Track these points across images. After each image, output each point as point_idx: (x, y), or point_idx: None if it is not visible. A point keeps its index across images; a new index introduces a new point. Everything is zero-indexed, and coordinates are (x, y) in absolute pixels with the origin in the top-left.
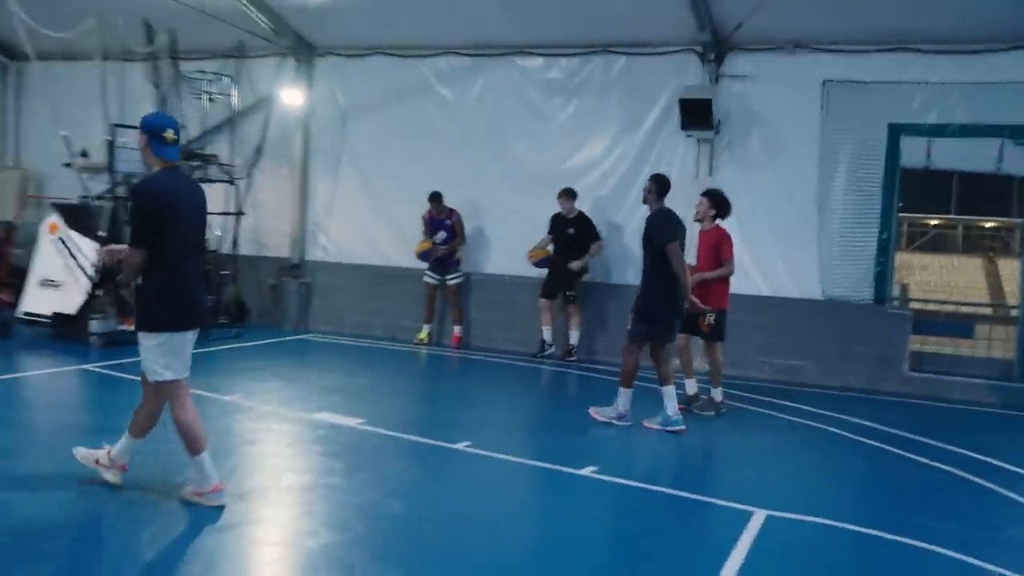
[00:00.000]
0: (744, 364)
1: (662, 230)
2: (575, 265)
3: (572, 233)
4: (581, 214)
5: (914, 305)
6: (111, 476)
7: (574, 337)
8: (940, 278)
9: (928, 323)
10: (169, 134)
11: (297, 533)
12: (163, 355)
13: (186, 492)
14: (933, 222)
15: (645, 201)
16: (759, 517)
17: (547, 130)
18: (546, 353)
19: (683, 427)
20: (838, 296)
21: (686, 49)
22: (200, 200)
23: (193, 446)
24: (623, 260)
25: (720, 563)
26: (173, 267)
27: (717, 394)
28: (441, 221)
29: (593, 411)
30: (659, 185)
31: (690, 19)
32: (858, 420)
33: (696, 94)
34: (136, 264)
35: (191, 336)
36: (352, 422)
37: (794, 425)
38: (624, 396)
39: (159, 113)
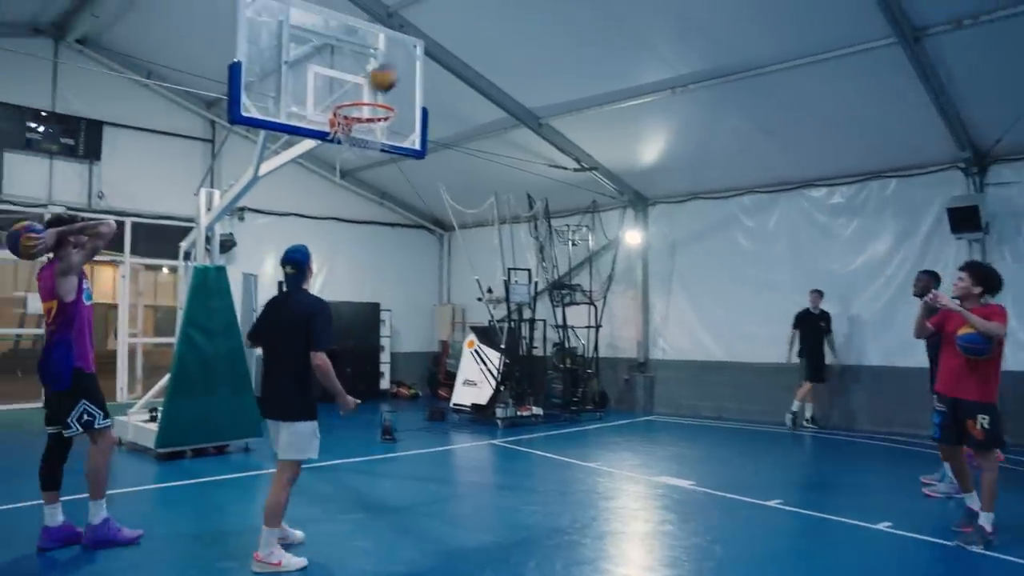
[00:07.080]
0: None
1: None
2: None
3: (823, 326)
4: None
5: None
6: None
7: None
8: None
9: None
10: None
11: (640, 568)
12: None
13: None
14: None
15: (920, 295)
16: None
17: (834, 245)
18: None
19: None
20: None
21: (950, 167)
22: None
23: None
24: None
25: None
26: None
27: (987, 521)
28: None
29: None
30: (933, 278)
31: (951, 142)
32: None
33: (962, 202)
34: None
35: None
36: (685, 483)
37: None
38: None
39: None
